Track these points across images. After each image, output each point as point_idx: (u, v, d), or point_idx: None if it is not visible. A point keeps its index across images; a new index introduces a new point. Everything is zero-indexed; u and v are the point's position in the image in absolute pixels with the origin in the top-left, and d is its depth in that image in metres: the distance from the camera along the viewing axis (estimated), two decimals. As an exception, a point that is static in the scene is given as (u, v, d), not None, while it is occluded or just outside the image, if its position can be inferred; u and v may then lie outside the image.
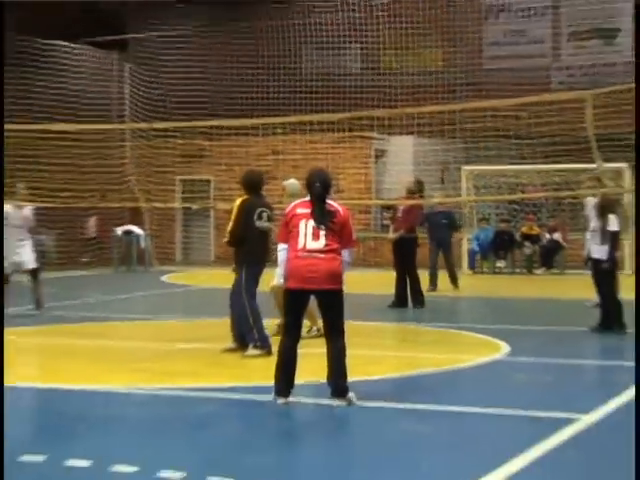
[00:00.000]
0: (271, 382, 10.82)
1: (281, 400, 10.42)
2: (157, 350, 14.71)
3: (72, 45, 34.00)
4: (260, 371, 12.50)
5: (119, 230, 33.29)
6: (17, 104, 28.71)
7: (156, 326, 17.91)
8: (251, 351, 13.48)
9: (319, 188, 10.55)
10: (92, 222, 33.53)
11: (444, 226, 23.32)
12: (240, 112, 29.70)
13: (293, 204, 10.69)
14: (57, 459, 8.19)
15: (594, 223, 15.90)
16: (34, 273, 18.94)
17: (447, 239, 23.46)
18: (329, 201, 10.62)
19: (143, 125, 31.55)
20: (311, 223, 10.40)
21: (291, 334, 10.61)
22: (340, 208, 10.68)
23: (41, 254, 19.27)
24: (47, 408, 11.05)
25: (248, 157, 32.29)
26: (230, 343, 13.90)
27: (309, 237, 10.37)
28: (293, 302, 10.64)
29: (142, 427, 9.93)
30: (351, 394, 10.34)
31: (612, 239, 15.76)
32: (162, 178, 32.94)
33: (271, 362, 12.67)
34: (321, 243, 10.36)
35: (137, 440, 9.28)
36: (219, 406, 10.76)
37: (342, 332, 10.52)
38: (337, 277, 10.43)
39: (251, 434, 9.47)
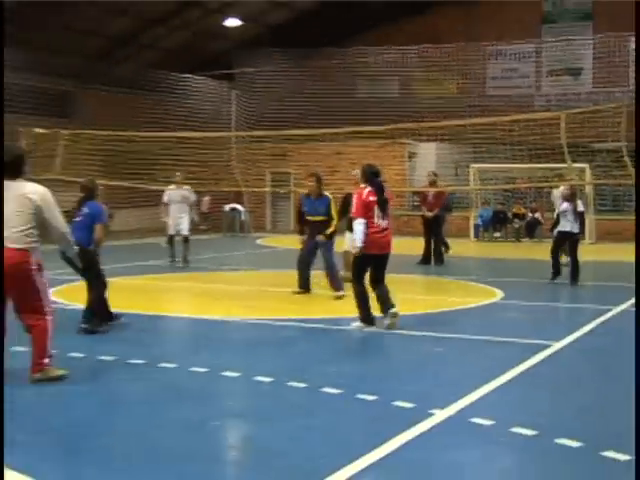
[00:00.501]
0: (331, 316, 10.86)
1: (370, 328, 10.53)
2: (252, 292, 14.79)
3: (195, 77, 34.15)
4: (323, 308, 12.56)
5: (226, 207, 33.39)
6: (156, 117, 28.92)
7: (252, 275, 17.97)
8: (337, 293, 13.39)
9: (380, 182, 10.64)
10: (205, 201, 33.49)
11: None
12: (313, 124, 29.60)
13: (367, 191, 10.63)
14: (184, 367, 8.28)
15: (565, 206, 15.78)
16: (186, 239, 18.90)
17: (439, 216, 22.77)
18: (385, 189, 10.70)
19: (244, 133, 31.59)
20: (380, 207, 10.59)
21: (363, 282, 10.72)
22: (389, 193, 10.79)
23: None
24: (178, 330, 11.14)
25: (318, 157, 32.25)
26: (296, 288, 13.90)
27: (380, 218, 10.55)
28: (369, 261, 10.70)
29: (241, 345, 10.00)
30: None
31: (581, 217, 15.77)
32: (257, 171, 32.96)
33: (331, 303, 12.79)
34: (386, 222, 10.64)
35: (239, 354, 9.36)
36: (295, 332, 10.81)
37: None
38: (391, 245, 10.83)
39: (319, 352, 9.51)
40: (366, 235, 10.45)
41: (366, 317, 10.60)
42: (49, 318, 7.67)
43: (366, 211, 10.50)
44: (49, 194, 7.68)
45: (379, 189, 10.58)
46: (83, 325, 10.31)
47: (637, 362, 7.12)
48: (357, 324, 10.62)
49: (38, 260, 7.61)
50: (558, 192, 17.95)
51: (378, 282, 10.68)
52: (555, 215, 16.50)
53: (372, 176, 10.71)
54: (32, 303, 7.57)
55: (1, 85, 8.88)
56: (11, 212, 7.42)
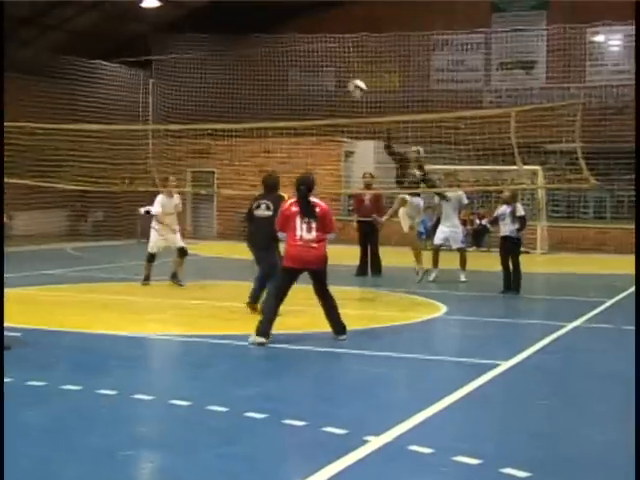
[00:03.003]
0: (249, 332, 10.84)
1: (262, 340, 10.58)
2: (167, 304, 14.68)
3: (109, 64, 33.90)
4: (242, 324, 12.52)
5: (141, 210, 33.09)
6: (63, 107, 28.64)
7: (168, 286, 17.67)
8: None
9: (304, 191, 10.73)
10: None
11: None
12: (239, 118, 29.60)
13: (290, 202, 10.98)
14: (90, 389, 8.21)
15: (502, 209, 16.47)
16: (184, 251, 17.50)
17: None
18: (312, 199, 10.80)
19: (162, 127, 31.43)
20: (304, 218, 10.74)
21: (278, 296, 11.05)
22: (322, 203, 10.87)
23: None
24: (81, 348, 10.96)
25: (244, 154, 32.24)
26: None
27: (305, 231, 10.78)
28: (290, 275, 10.92)
29: (153, 365, 9.96)
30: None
31: (522, 222, 16.31)
32: (176, 169, 32.74)
33: (251, 318, 12.74)
34: (314, 235, 10.77)
35: (151, 375, 9.32)
36: (214, 349, 10.74)
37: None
38: (324, 259, 10.94)
39: (240, 372, 9.48)
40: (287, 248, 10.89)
41: (263, 331, 10.66)
42: None
43: (285, 223, 10.86)
44: None
45: (302, 199, 10.83)
46: None
47: (637, 364, 7.25)
48: (252, 338, 10.65)
49: None
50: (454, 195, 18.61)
51: (319, 297, 10.97)
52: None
53: (298, 184, 10.95)
54: None
55: (1, 84, 8.83)
56: None
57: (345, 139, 32.31)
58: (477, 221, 30.09)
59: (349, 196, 30.30)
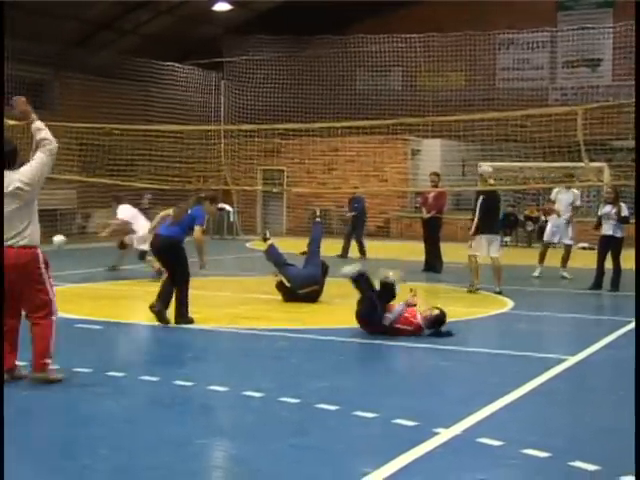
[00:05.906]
0: (326, 326, 10.81)
1: None
2: (242, 299, 14.75)
3: (182, 66, 34.15)
4: (318, 318, 12.53)
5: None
6: (138, 109, 28.92)
7: (241, 281, 17.92)
8: None
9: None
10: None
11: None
12: (308, 118, 29.67)
13: None
14: (167, 380, 8.28)
15: (607, 209, 16.20)
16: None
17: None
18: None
19: (235, 127, 31.61)
20: None
21: None
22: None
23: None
24: (159, 340, 11.10)
25: (313, 153, 32.28)
26: None
27: None
28: None
29: (229, 357, 10.00)
30: None
31: (625, 221, 16.13)
32: (247, 168, 32.96)
33: (327, 313, 12.76)
34: None
35: (226, 367, 9.36)
36: (287, 342, 10.77)
37: None
38: None
39: (313, 365, 9.49)
40: None
41: None
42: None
43: None
44: None
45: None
46: (180, 320, 11.42)
47: (637, 362, 7.14)
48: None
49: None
50: (565, 194, 18.40)
51: None
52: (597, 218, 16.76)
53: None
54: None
55: (2, 83, 9.04)
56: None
57: (412, 137, 32.22)
58: (542, 217, 29.86)
59: (416, 193, 30.23)
